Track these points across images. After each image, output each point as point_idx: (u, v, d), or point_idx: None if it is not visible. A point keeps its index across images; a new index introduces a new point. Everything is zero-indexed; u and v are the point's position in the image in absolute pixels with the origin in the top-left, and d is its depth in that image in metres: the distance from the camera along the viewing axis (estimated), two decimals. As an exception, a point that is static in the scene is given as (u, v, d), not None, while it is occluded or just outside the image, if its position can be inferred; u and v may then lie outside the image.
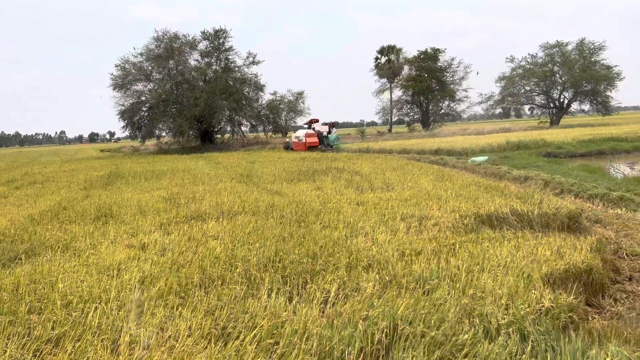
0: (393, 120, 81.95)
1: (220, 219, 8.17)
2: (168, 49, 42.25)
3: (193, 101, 40.02)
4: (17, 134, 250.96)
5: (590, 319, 4.68)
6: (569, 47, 55.38)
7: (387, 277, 4.58)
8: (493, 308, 3.71)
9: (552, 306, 3.83)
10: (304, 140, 34.29)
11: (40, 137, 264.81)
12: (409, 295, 4.15)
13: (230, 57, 45.27)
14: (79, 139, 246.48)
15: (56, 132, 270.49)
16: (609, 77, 52.48)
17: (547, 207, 8.03)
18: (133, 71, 43.14)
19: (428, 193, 10.04)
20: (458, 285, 4.29)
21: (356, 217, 7.88)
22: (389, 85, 76.97)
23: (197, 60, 45.49)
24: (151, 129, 45.25)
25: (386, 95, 76.93)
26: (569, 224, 7.69)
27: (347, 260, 5.21)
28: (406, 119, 75.93)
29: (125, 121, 43.64)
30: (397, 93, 75.83)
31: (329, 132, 35.63)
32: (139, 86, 43.55)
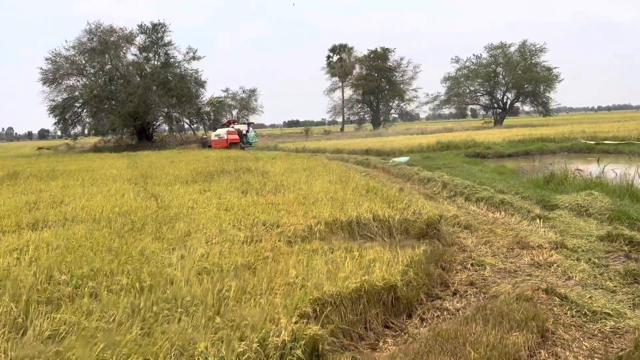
0: (347, 119, 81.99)
1: (59, 227, 7.39)
2: (102, 43, 40.53)
3: (127, 97, 38.53)
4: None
5: (381, 344, 4.23)
6: (512, 49, 56.56)
7: (139, 303, 3.96)
8: (209, 347, 3.15)
9: (289, 339, 3.30)
10: (225, 137, 35.09)
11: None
12: (145, 327, 3.55)
13: (169, 52, 43.98)
14: (29, 136, 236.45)
15: (2, 129, 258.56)
16: (548, 78, 53.87)
17: (410, 213, 7.63)
18: (65, 65, 41.17)
19: (308, 196, 9.51)
20: (210, 312, 3.73)
21: (205, 224, 7.25)
22: (340, 84, 76.97)
23: (135, 54, 43.98)
24: (93, 125, 43.69)
25: (337, 94, 76.92)
26: (427, 230, 7.30)
27: (128, 280, 4.57)
28: (356, 118, 76.02)
29: (57, 117, 41.62)
30: (348, 92, 75.95)
31: (247, 131, 36.76)
32: (72, 81, 41.63)
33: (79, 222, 7.78)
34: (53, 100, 41.14)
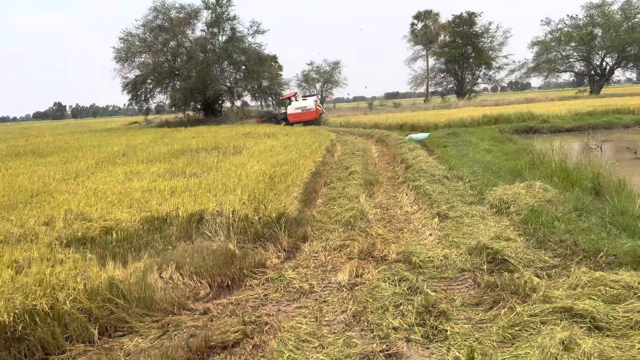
0: (430, 91, 77.95)
1: None
2: (167, 20, 41.55)
3: (187, 73, 39.29)
4: (92, 106, 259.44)
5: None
6: (615, 7, 49.40)
7: None
8: None
9: None
10: (314, 109, 32.83)
11: (110, 109, 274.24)
12: None
13: (235, 26, 43.98)
14: (146, 111, 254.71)
15: (124, 104, 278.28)
16: (659, 39, 46.36)
17: (251, 210, 6.35)
18: (137, 43, 42.81)
19: (203, 182, 8.51)
20: None
21: (21, 214, 6.58)
22: (423, 53, 73.11)
23: (203, 30, 44.51)
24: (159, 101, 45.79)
25: (418, 64, 73.25)
26: (263, 232, 6.02)
27: None
28: (439, 89, 71.79)
29: (130, 93, 43.61)
30: (431, 62, 71.92)
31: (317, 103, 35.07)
32: (142, 58, 43.18)
33: None
34: (126, 77, 43.06)
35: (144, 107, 45.16)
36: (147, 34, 42.55)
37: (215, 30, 43.70)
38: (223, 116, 43.39)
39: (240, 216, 6.22)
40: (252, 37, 43.96)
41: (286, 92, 43.18)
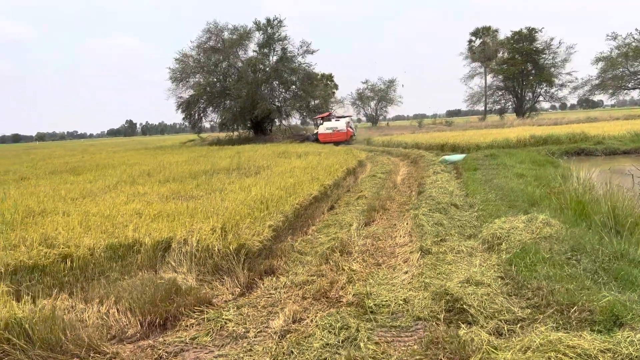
0: (489, 108, 75.52)
1: None
2: (219, 41, 42.70)
3: (236, 93, 40.02)
4: (160, 124, 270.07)
5: None
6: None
7: None
8: None
9: None
10: (345, 130, 33.59)
11: (178, 127, 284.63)
12: None
13: (286, 46, 44.58)
14: (199, 129, 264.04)
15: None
16: None
17: (202, 239, 5.99)
18: (191, 64, 44.24)
19: (198, 208, 8.27)
20: None
21: None
22: (481, 70, 71.22)
23: (255, 51, 45.41)
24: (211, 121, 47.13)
25: (475, 81, 71.25)
26: (220, 264, 5.65)
27: None
28: (497, 107, 69.27)
29: (184, 113, 44.99)
30: (489, 79, 69.81)
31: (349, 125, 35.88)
32: (197, 78, 44.51)
33: None
34: (180, 97, 44.51)
35: (198, 126, 46.31)
36: (201, 54, 43.91)
37: (266, 50, 44.47)
38: (272, 135, 43.81)
39: (203, 246, 5.89)
40: (302, 57, 44.39)
41: (340, 111, 43.41)
